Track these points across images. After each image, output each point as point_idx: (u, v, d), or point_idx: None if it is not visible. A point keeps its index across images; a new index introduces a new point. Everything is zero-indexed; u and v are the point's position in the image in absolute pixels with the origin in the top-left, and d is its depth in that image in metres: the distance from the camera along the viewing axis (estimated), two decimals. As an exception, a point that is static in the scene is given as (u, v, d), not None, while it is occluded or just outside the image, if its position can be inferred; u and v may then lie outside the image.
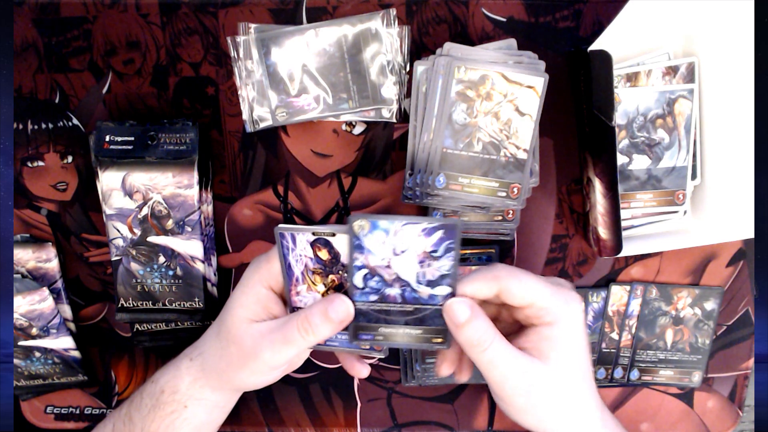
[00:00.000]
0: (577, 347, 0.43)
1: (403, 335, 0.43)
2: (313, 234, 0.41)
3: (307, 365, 0.61)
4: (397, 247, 0.40)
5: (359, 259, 0.41)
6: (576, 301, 0.44)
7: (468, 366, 0.49)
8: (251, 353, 0.44)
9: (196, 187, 0.54)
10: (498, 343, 0.41)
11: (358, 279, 0.41)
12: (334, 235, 0.41)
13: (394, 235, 0.40)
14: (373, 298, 0.42)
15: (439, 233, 0.39)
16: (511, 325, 0.47)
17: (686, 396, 0.64)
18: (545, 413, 0.43)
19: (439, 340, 0.43)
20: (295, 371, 0.56)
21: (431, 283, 0.41)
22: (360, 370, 0.49)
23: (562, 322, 0.42)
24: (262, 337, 0.43)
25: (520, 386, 0.42)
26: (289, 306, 0.46)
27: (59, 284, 0.59)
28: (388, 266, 0.41)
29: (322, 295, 0.44)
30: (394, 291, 0.42)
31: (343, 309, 0.42)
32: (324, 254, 0.42)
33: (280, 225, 0.42)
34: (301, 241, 0.42)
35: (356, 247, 0.40)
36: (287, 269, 0.43)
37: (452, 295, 0.42)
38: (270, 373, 0.46)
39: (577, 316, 0.43)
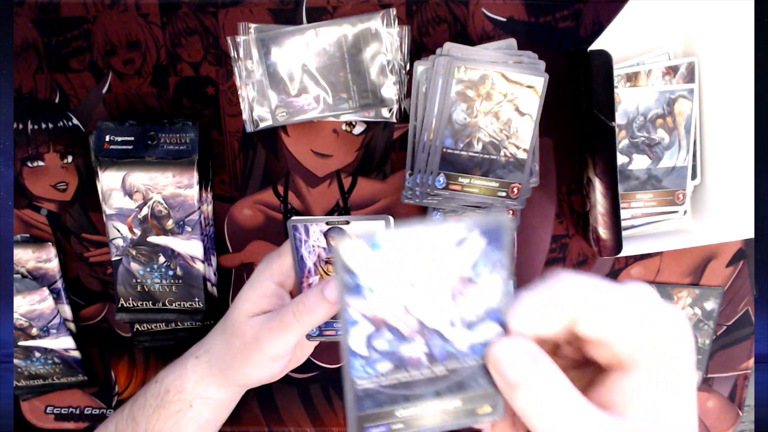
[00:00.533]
0: (669, 399, 0.28)
1: (434, 414, 0.28)
2: (327, 224, 0.41)
3: (307, 365, 0.61)
4: (415, 276, 0.26)
5: (355, 309, 0.26)
6: (674, 332, 0.28)
7: None
8: (253, 344, 0.44)
9: (196, 187, 0.54)
10: (575, 406, 0.27)
11: (357, 342, 0.26)
12: (348, 223, 0.40)
13: (409, 257, 0.25)
14: (384, 368, 0.27)
15: (481, 242, 0.26)
16: (574, 361, 0.33)
17: (686, 396, 0.64)
18: None
19: (488, 409, 0.29)
20: (295, 371, 0.56)
21: (471, 325, 0.27)
22: None
23: (642, 369, 0.28)
24: (261, 327, 0.44)
25: None
26: None
27: (59, 284, 0.59)
28: (405, 311, 0.27)
29: None
30: (415, 349, 0.27)
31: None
32: None
33: (293, 218, 0.42)
34: (314, 232, 0.42)
35: (349, 288, 0.25)
36: (299, 261, 0.43)
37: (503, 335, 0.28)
38: (272, 365, 0.46)
39: (670, 355, 0.28)
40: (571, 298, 0.27)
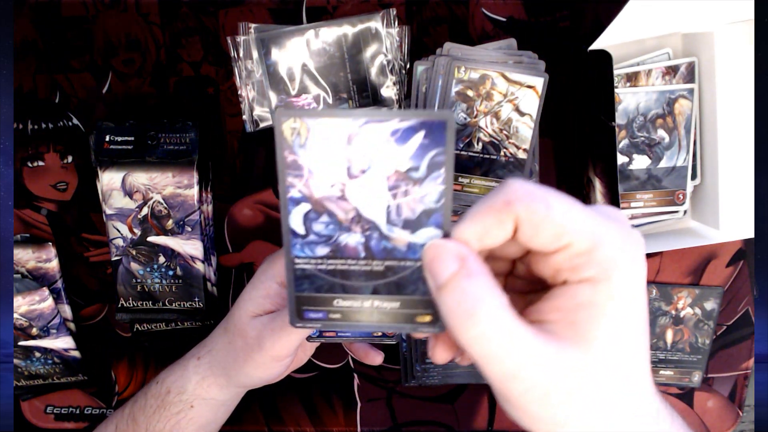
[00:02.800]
0: (636, 322, 0.26)
1: (371, 311, 0.28)
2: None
3: (308, 365, 0.61)
4: (354, 164, 0.26)
5: (296, 186, 0.27)
6: (638, 243, 0.26)
7: None
8: (255, 344, 0.44)
9: (196, 187, 0.54)
10: (499, 317, 0.24)
11: (296, 220, 0.27)
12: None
13: (349, 143, 0.26)
14: (322, 251, 0.28)
15: (420, 137, 0.25)
16: (528, 285, 0.31)
17: (686, 396, 0.64)
18: (578, 427, 0.26)
19: (427, 318, 0.28)
20: (295, 371, 0.56)
21: (410, 225, 0.27)
22: (374, 358, 0.47)
23: (615, 278, 0.25)
24: (264, 327, 0.43)
25: (537, 388, 0.25)
26: None
27: (59, 284, 0.59)
28: (343, 197, 0.27)
29: None
30: (353, 239, 0.27)
31: None
32: None
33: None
34: None
35: (289, 165, 0.26)
36: None
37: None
38: (274, 365, 0.46)
39: (639, 268, 0.26)
40: (514, 195, 0.25)
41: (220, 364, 0.47)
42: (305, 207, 0.27)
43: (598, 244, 0.25)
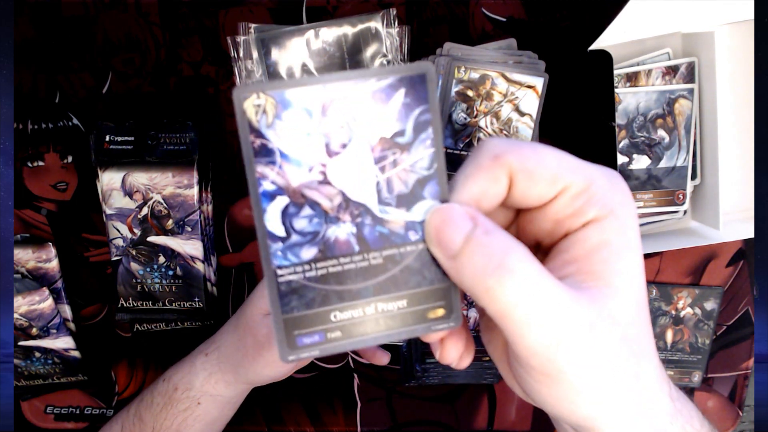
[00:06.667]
0: (638, 263, 0.24)
1: (376, 319, 0.24)
2: None
3: (308, 365, 0.61)
4: (333, 138, 0.23)
5: (268, 177, 0.23)
6: (620, 178, 0.26)
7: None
8: (266, 343, 0.44)
9: (196, 187, 0.54)
10: (530, 263, 0.22)
11: (273, 219, 0.23)
12: None
13: (324, 113, 0.22)
14: (309, 253, 0.23)
15: (401, 96, 0.23)
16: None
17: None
18: (604, 386, 0.23)
19: (440, 312, 0.25)
20: (296, 371, 0.56)
21: (405, 201, 0.23)
22: (381, 358, 0.46)
23: (618, 211, 0.24)
24: None
25: (581, 339, 0.22)
26: None
27: (59, 284, 0.59)
28: (325, 180, 0.23)
29: None
30: (343, 230, 0.23)
31: None
32: None
33: None
34: None
35: (258, 150, 0.22)
36: None
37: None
38: (282, 366, 0.46)
39: (631, 205, 0.25)
40: (501, 150, 0.23)
41: (229, 361, 0.47)
42: (282, 201, 0.23)
43: (593, 181, 0.24)
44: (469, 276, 0.22)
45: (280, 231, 0.23)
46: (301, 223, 0.23)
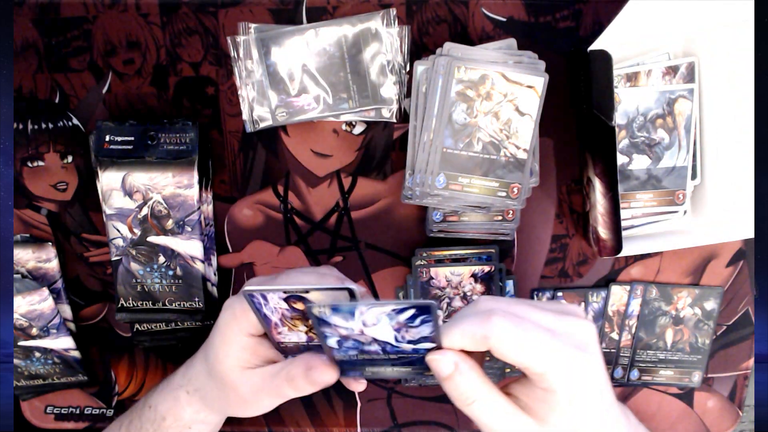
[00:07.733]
0: (585, 412, 0.37)
1: (393, 372, 0.41)
2: (285, 293, 0.38)
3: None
4: (367, 322, 0.36)
5: (328, 332, 0.36)
6: (584, 358, 0.37)
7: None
8: (252, 400, 0.44)
9: (196, 187, 0.54)
10: (486, 399, 0.37)
11: (332, 343, 0.38)
12: (308, 292, 0.38)
13: (361, 314, 0.35)
14: (352, 353, 0.38)
15: (412, 311, 0.35)
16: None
17: (686, 396, 0.64)
18: None
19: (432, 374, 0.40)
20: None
21: (413, 342, 0.37)
22: (356, 386, 0.48)
23: (561, 391, 0.36)
24: (260, 390, 0.43)
25: None
26: (274, 344, 0.44)
27: (59, 284, 0.59)
28: (362, 333, 0.36)
29: (305, 333, 0.42)
30: (373, 347, 0.38)
31: (327, 377, 0.40)
32: (300, 305, 0.39)
33: (246, 287, 0.39)
34: (272, 298, 0.39)
35: (321, 323, 0.36)
36: (264, 318, 0.41)
37: (437, 348, 0.38)
38: (273, 405, 0.46)
39: (584, 378, 0.37)
40: (490, 330, 0.36)
41: (214, 405, 0.48)
42: (336, 338, 0.37)
43: (549, 370, 0.36)
44: (449, 394, 0.38)
45: (335, 345, 0.38)
46: (347, 344, 0.38)
